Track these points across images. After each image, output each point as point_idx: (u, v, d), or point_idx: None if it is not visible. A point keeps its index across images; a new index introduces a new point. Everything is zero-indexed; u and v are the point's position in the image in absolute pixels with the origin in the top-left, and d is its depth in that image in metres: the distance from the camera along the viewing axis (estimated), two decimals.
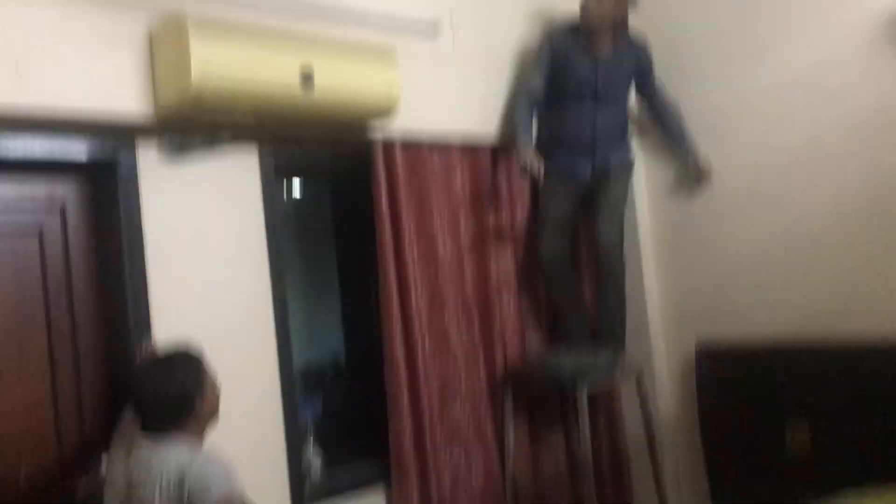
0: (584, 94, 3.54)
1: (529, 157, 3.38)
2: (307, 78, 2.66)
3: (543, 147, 3.55)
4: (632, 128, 3.79)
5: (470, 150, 3.57)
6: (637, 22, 3.79)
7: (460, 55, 3.48)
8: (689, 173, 3.74)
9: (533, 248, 3.67)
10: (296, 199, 3.65)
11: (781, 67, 3.47)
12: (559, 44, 3.54)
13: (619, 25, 3.54)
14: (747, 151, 3.59)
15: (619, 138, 3.68)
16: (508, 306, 3.66)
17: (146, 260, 2.68)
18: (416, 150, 3.35)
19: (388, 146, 3.24)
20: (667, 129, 3.76)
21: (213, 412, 2.31)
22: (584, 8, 3.48)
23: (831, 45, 3.33)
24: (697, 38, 3.74)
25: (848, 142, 3.30)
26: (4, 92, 2.29)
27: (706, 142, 3.71)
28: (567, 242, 3.70)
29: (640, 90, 3.74)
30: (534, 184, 3.65)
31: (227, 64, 2.48)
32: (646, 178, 3.92)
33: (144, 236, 2.68)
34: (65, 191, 2.69)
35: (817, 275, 3.39)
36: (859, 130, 3.27)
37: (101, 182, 2.69)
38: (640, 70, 3.65)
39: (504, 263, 3.66)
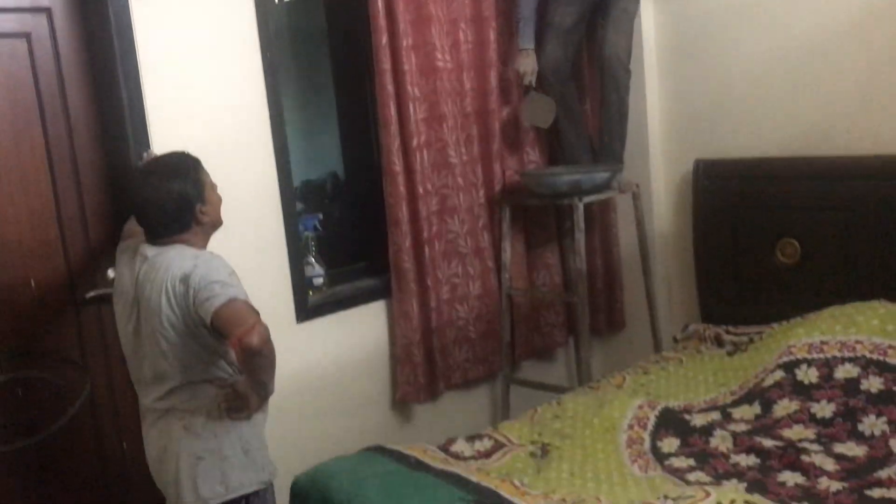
0: None
1: (524, 63, 3.40)
2: None
3: None
4: None
5: None
6: None
7: None
8: None
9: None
10: (288, 11, 3.52)
11: None
12: None
13: None
14: None
15: None
16: (508, 121, 3.63)
17: (139, 66, 2.62)
18: None
19: None
20: None
21: (215, 220, 2.31)
22: None
23: None
24: None
25: None
26: None
27: None
28: (570, 53, 3.61)
29: None
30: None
31: None
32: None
33: (135, 42, 2.62)
34: None
35: (812, 95, 3.33)
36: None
37: None
38: None
39: (505, 76, 3.59)
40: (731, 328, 3.44)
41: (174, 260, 2.15)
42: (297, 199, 3.25)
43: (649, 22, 3.77)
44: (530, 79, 3.47)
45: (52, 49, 2.60)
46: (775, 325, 3.18)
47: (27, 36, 2.56)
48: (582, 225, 3.38)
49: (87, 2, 2.62)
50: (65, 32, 2.63)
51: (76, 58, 2.65)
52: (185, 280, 2.09)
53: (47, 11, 2.59)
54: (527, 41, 3.46)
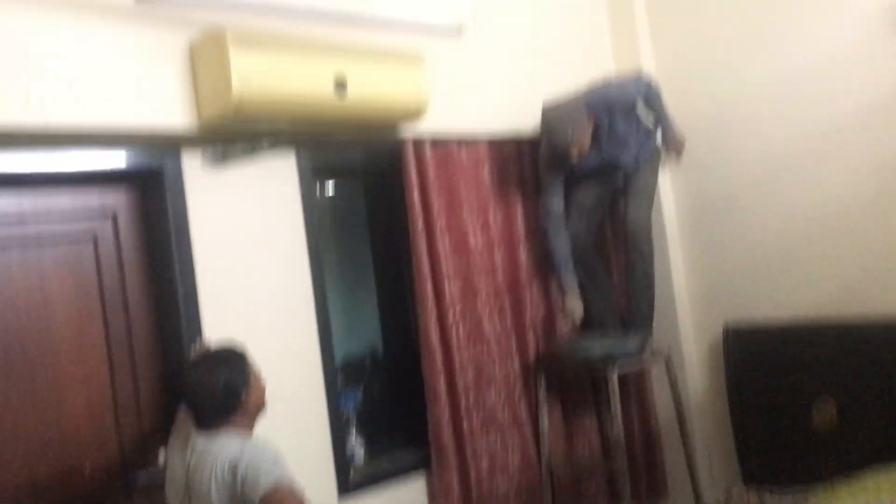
0: (604, 168, 3.64)
1: (571, 304, 3.60)
2: (341, 85, 2.78)
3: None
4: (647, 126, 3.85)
5: (497, 143, 3.68)
6: (663, 12, 3.89)
7: (484, 54, 3.59)
8: (665, 145, 3.87)
9: None
10: (332, 198, 3.78)
11: (799, 54, 3.53)
12: (560, 162, 3.52)
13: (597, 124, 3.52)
14: (767, 137, 3.65)
15: (646, 140, 3.76)
16: (538, 293, 3.77)
17: (194, 262, 2.83)
18: (445, 145, 3.47)
19: (418, 143, 3.37)
20: (652, 111, 3.81)
21: (260, 405, 2.43)
22: (571, 152, 3.38)
23: (847, 32, 3.38)
24: (718, 27, 3.80)
25: (864, 126, 3.35)
26: (61, 111, 2.43)
27: (727, 129, 3.78)
28: (593, 227, 3.82)
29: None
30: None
31: (265, 75, 2.61)
32: (670, 166, 3.99)
33: (191, 240, 2.83)
34: (116, 199, 2.85)
35: (838, 255, 3.46)
36: (875, 115, 3.32)
37: (150, 190, 2.85)
38: (627, 112, 3.61)
39: (533, 251, 3.77)
40: (774, 490, 3.40)
41: (222, 449, 2.26)
42: (338, 375, 3.37)
43: (668, 195, 3.98)
44: (576, 318, 3.65)
45: (116, 250, 2.83)
46: (818, 487, 3.14)
47: (94, 240, 2.80)
48: (617, 394, 3.44)
49: (149, 206, 2.87)
50: (128, 234, 2.87)
51: (137, 256, 2.87)
52: (234, 469, 2.19)
53: (113, 216, 2.84)
54: (569, 284, 3.65)
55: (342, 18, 3.02)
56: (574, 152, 3.40)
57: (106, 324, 2.79)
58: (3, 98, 2.33)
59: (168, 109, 2.66)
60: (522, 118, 3.69)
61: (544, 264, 3.79)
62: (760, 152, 3.68)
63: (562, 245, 3.63)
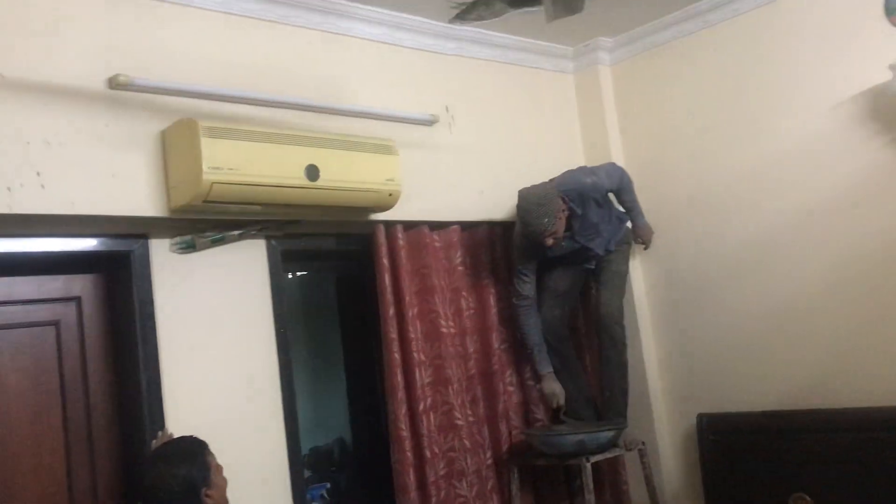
0: (577, 253, 3.68)
1: (550, 387, 3.61)
2: (313, 173, 2.79)
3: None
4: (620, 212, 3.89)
5: (469, 228, 3.69)
6: (626, 109, 3.98)
7: (457, 144, 3.63)
8: (636, 234, 3.89)
9: None
10: (302, 283, 3.76)
11: (766, 147, 3.61)
12: (531, 245, 3.53)
13: (570, 213, 3.56)
14: (737, 227, 3.70)
15: (617, 227, 3.80)
16: (511, 381, 3.73)
17: (159, 349, 2.77)
18: (417, 229, 3.47)
19: (390, 228, 3.37)
20: (622, 202, 3.85)
21: (219, 501, 2.36)
22: (546, 239, 3.39)
23: (815, 123, 3.46)
24: (687, 119, 3.88)
25: (831, 216, 3.41)
26: (27, 199, 2.40)
27: (695, 220, 3.83)
28: (567, 312, 3.80)
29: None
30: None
31: (236, 163, 2.61)
32: (640, 255, 4.02)
33: (157, 326, 2.78)
34: (82, 284, 2.81)
35: (810, 345, 3.47)
36: (842, 206, 3.38)
37: (116, 275, 2.81)
38: (600, 202, 3.66)
39: (506, 338, 3.74)
40: None
41: None
42: (305, 466, 3.29)
43: (640, 282, 4.00)
44: (559, 400, 3.64)
45: (79, 336, 2.77)
46: None
47: (56, 324, 2.74)
48: (591, 485, 3.37)
49: (115, 291, 2.83)
50: (92, 319, 2.81)
51: (100, 343, 2.81)
52: None
53: (77, 300, 2.79)
54: (545, 366, 3.65)
55: (317, 108, 3.07)
56: (549, 240, 3.43)
57: (65, 412, 2.71)
58: None
59: (137, 195, 2.64)
60: (495, 204, 3.72)
61: (518, 351, 3.76)
62: (730, 242, 3.72)
63: (535, 329, 3.63)
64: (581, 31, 3.88)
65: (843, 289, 3.39)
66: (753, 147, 3.65)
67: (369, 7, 3.31)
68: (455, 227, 3.63)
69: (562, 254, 3.64)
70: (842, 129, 3.39)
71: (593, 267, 3.78)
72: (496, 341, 3.67)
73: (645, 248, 3.95)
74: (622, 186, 3.78)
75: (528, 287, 3.62)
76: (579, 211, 3.56)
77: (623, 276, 3.82)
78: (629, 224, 3.88)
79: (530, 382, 3.79)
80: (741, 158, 3.69)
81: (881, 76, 3.20)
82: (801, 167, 3.50)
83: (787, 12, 3.53)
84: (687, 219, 3.86)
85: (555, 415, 3.75)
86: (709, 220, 3.79)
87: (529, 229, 3.43)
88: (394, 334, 3.33)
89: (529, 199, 3.44)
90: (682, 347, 3.88)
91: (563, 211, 3.47)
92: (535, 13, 3.50)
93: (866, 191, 3.33)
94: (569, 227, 3.56)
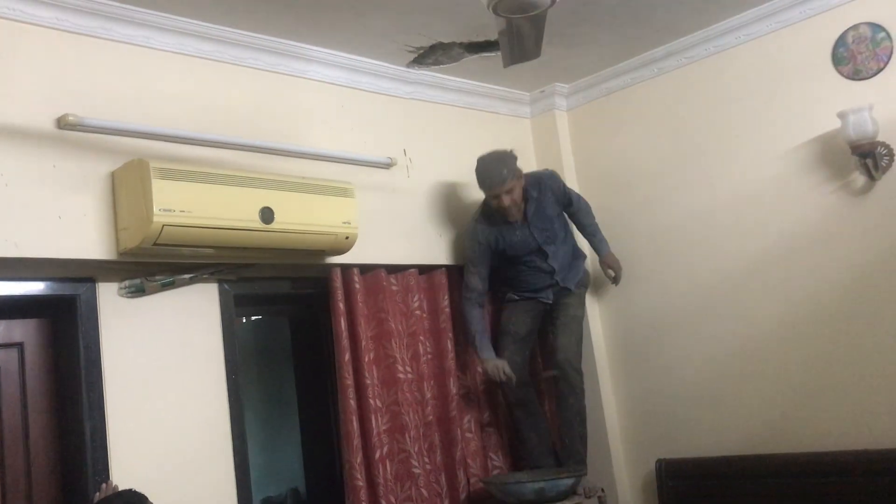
0: (530, 250, 3.67)
1: (492, 366, 3.57)
2: (268, 215, 2.75)
3: (507, 290, 3.74)
4: (580, 248, 3.90)
5: (427, 270, 3.66)
6: (582, 154, 4.03)
7: (415, 186, 3.62)
8: (604, 265, 3.88)
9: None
10: (255, 328, 3.68)
11: (721, 192, 3.65)
12: (485, 233, 3.60)
13: (527, 191, 3.63)
14: (692, 274, 3.73)
15: (574, 261, 3.80)
16: (470, 427, 3.67)
17: (105, 397, 2.67)
18: (374, 273, 3.43)
19: (346, 271, 3.32)
20: (583, 227, 3.89)
21: None
22: (498, 206, 3.50)
23: (768, 169, 3.52)
24: (641, 164, 3.92)
25: (789, 260, 3.45)
26: None
27: (652, 264, 3.85)
28: (526, 358, 3.77)
29: (564, 209, 3.85)
30: (495, 305, 3.74)
31: (188, 204, 2.56)
32: (598, 300, 4.03)
33: (103, 373, 2.68)
34: (24, 329, 2.71)
35: (769, 389, 3.48)
36: (798, 249, 3.42)
37: (61, 320, 2.72)
38: (557, 200, 3.73)
39: (464, 383, 3.69)
40: None
41: None
42: None
43: (597, 325, 3.99)
44: (504, 370, 3.54)
45: (20, 383, 2.67)
46: None
47: None
48: None
49: (60, 336, 2.73)
50: (34, 365, 2.71)
51: (43, 390, 2.71)
52: None
53: (19, 346, 2.69)
54: (486, 352, 3.61)
55: (273, 150, 3.04)
56: (505, 199, 3.45)
57: (3, 463, 2.59)
58: None
59: (85, 238, 2.58)
60: (453, 247, 3.71)
61: (476, 397, 3.71)
62: (686, 286, 3.75)
63: (479, 319, 3.62)
64: (538, 77, 3.92)
65: (798, 332, 3.42)
66: (708, 191, 3.70)
67: (326, 50, 3.31)
68: (413, 270, 3.60)
69: (515, 250, 3.63)
70: (793, 175, 3.44)
71: (550, 302, 3.74)
72: (454, 386, 3.61)
73: (615, 283, 3.89)
74: (581, 207, 3.83)
75: (475, 280, 3.61)
76: (535, 196, 3.60)
77: (580, 320, 3.80)
78: (587, 266, 3.88)
79: (490, 428, 3.75)
80: (695, 203, 3.73)
81: (830, 123, 3.27)
82: (755, 211, 3.55)
83: (738, 61, 3.61)
84: (643, 262, 3.87)
85: (502, 388, 3.68)
86: (665, 264, 3.81)
87: (487, 183, 3.49)
88: (349, 380, 3.26)
89: (488, 157, 3.54)
90: (641, 392, 3.86)
91: (520, 178, 3.52)
92: (492, 58, 3.52)
93: (818, 235, 3.38)
94: (525, 211, 3.58)
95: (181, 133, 2.81)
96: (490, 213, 3.60)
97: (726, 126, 3.64)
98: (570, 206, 3.82)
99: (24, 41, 2.57)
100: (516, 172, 3.51)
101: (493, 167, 3.49)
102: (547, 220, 3.66)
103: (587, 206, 3.87)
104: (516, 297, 3.73)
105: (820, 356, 3.36)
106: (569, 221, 3.85)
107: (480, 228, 3.61)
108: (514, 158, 3.53)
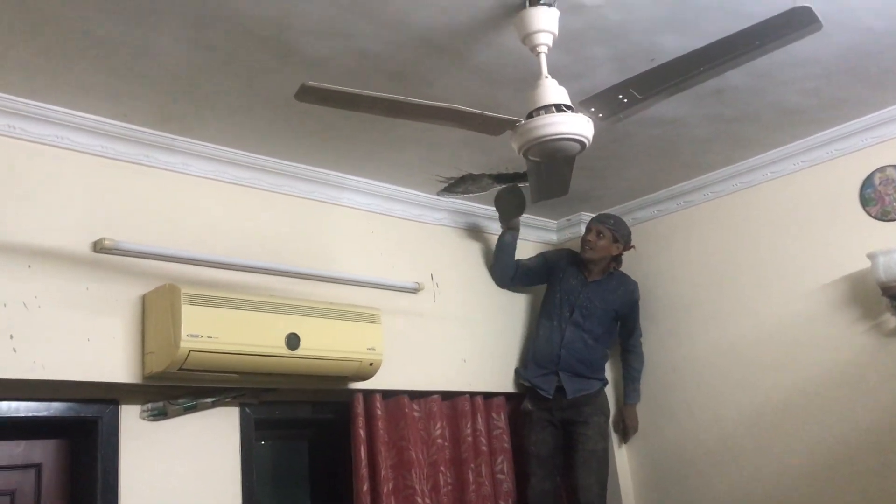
0: (564, 306, 3.70)
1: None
2: (293, 341, 2.75)
3: (525, 362, 3.80)
4: (608, 370, 3.85)
5: (450, 397, 3.60)
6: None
7: (441, 312, 3.62)
8: (623, 415, 3.86)
9: (516, 495, 3.61)
10: (273, 450, 3.61)
11: (751, 324, 3.60)
12: (554, 257, 3.89)
13: (614, 262, 3.78)
14: (720, 408, 3.65)
15: (589, 368, 3.71)
16: None
17: None
18: (396, 400, 3.38)
19: (369, 397, 3.28)
20: (628, 367, 3.86)
21: None
22: (583, 240, 3.74)
23: (796, 305, 3.47)
24: (666, 295, 3.90)
25: (820, 397, 3.36)
26: None
27: (684, 394, 3.78)
28: (555, 481, 3.64)
29: (621, 329, 3.84)
30: (514, 427, 3.67)
31: (215, 330, 2.58)
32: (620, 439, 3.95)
33: (119, 497, 2.63)
34: (43, 450, 2.68)
35: None
36: (830, 386, 3.35)
37: (81, 442, 2.69)
38: (623, 306, 3.76)
39: None
40: None
41: None
42: None
43: (624, 461, 3.88)
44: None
45: None
46: None
47: (12, 494, 2.59)
48: None
49: (78, 458, 2.70)
50: (50, 488, 2.67)
51: None
52: None
53: (37, 468, 2.66)
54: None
55: (302, 275, 3.07)
56: (591, 236, 3.70)
57: None
58: None
59: (111, 361, 2.58)
60: (478, 373, 3.67)
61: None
62: (712, 422, 3.66)
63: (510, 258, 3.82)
64: (565, 206, 3.96)
65: (832, 472, 3.30)
66: (735, 325, 3.66)
67: (360, 178, 3.38)
68: (436, 396, 3.55)
69: (554, 290, 3.77)
70: (824, 313, 3.40)
71: (550, 398, 3.63)
72: None
73: (624, 440, 3.87)
74: (637, 350, 3.87)
75: (525, 261, 3.85)
76: (614, 284, 3.75)
77: (601, 455, 3.62)
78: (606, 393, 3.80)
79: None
80: (722, 337, 3.68)
81: (860, 263, 3.25)
82: (784, 348, 3.49)
83: (766, 197, 3.63)
84: (672, 394, 3.80)
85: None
86: (694, 397, 3.74)
87: (599, 216, 3.77)
88: None
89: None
90: None
91: (617, 242, 3.71)
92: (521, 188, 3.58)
93: (848, 377, 3.30)
94: (595, 278, 3.73)
95: (213, 258, 2.86)
96: (572, 254, 3.86)
97: (754, 261, 3.63)
98: (630, 339, 3.84)
99: (67, 167, 2.66)
100: (620, 233, 3.71)
101: (616, 215, 3.79)
102: (599, 312, 3.70)
103: (643, 355, 3.87)
104: (530, 408, 3.66)
105: (854, 495, 3.23)
106: (609, 346, 3.81)
107: (553, 253, 3.95)
108: (629, 234, 3.75)
